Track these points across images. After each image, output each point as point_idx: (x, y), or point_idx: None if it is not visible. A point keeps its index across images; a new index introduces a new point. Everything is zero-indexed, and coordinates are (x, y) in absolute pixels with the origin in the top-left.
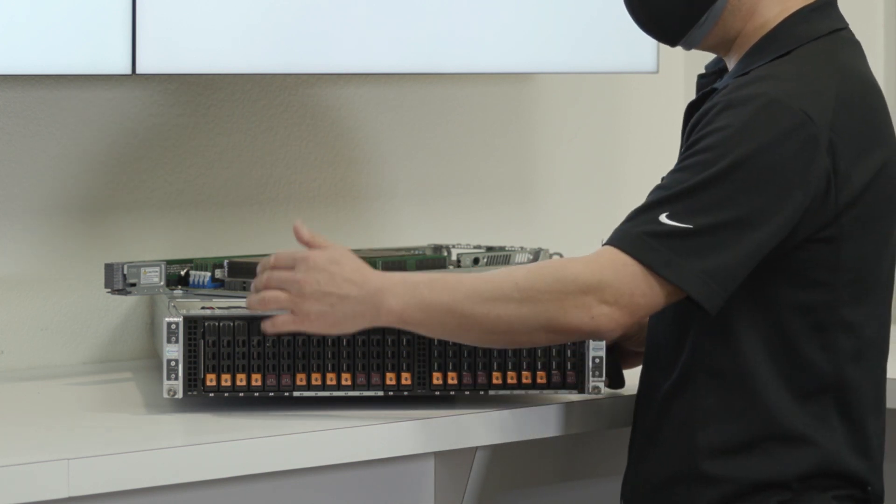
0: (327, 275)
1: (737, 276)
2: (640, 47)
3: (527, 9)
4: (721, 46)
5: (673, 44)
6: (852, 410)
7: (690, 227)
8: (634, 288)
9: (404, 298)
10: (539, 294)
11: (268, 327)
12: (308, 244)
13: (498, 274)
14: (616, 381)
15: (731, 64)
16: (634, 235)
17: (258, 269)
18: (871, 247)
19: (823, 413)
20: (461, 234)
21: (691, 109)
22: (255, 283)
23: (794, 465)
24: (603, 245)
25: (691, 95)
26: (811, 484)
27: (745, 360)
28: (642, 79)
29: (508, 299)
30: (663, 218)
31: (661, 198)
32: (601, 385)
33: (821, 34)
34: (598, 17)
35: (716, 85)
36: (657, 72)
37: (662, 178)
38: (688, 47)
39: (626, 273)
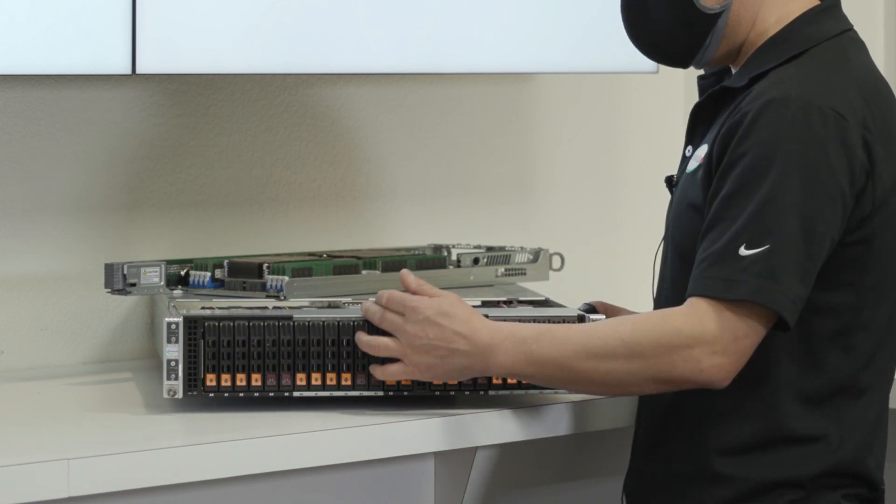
0: (437, 329)
1: (810, 284)
2: None
3: (527, 9)
4: (728, 57)
5: (683, 67)
6: (864, 410)
7: (767, 246)
8: (737, 331)
9: (513, 354)
10: (645, 349)
11: (378, 374)
12: (415, 294)
13: (603, 329)
14: None
15: (736, 65)
16: (722, 280)
17: (377, 297)
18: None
19: (837, 413)
20: (461, 234)
21: (699, 110)
22: (368, 309)
23: (807, 464)
24: (691, 294)
25: (691, 95)
26: (822, 483)
27: (766, 363)
28: (642, 79)
29: (616, 355)
30: (742, 251)
31: (733, 232)
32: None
33: (830, 35)
34: (598, 17)
35: (726, 83)
36: (657, 72)
37: (709, 200)
38: (699, 66)
39: (725, 319)
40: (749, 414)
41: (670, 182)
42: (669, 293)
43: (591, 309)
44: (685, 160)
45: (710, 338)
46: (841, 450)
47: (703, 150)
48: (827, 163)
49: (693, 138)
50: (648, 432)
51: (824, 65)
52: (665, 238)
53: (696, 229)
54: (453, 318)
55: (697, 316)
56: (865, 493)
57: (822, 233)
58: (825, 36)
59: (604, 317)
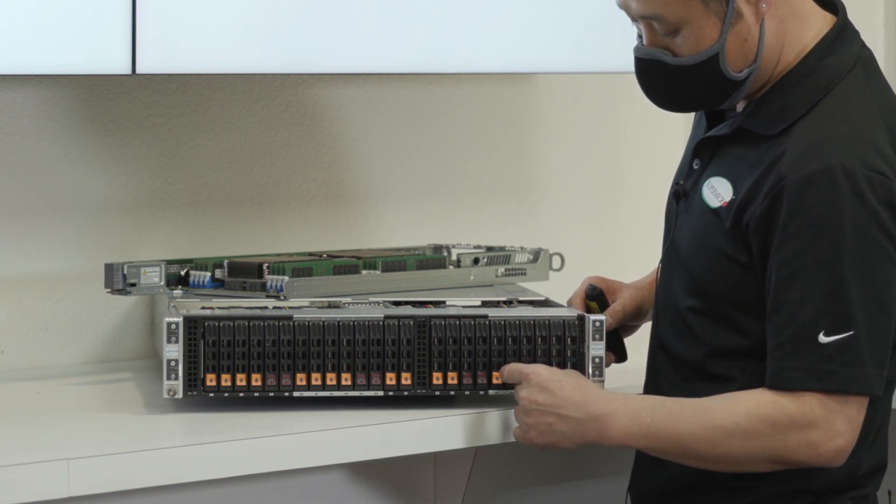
0: (547, 394)
1: (890, 346)
2: None
3: (527, 9)
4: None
5: (713, 109)
6: (872, 416)
7: (851, 333)
8: (846, 414)
9: (626, 426)
10: (762, 433)
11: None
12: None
13: (717, 408)
14: (620, 355)
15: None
16: (809, 371)
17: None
18: None
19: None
20: (461, 234)
21: (712, 142)
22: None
23: (819, 474)
24: (779, 386)
25: None
26: (833, 487)
27: None
28: None
29: (732, 436)
30: (822, 338)
31: (807, 319)
32: (601, 385)
33: (849, 66)
34: (598, 17)
35: (747, 126)
36: None
37: (766, 275)
38: (728, 107)
39: (832, 406)
40: None
41: (677, 194)
42: (691, 321)
43: (598, 292)
44: (693, 171)
45: (824, 424)
46: (852, 458)
47: (722, 185)
48: (883, 229)
49: (702, 152)
50: None
51: (852, 119)
52: (672, 254)
53: (731, 277)
54: (564, 384)
55: (806, 403)
56: (872, 489)
57: (892, 296)
58: (844, 69)
59: (605, 317)
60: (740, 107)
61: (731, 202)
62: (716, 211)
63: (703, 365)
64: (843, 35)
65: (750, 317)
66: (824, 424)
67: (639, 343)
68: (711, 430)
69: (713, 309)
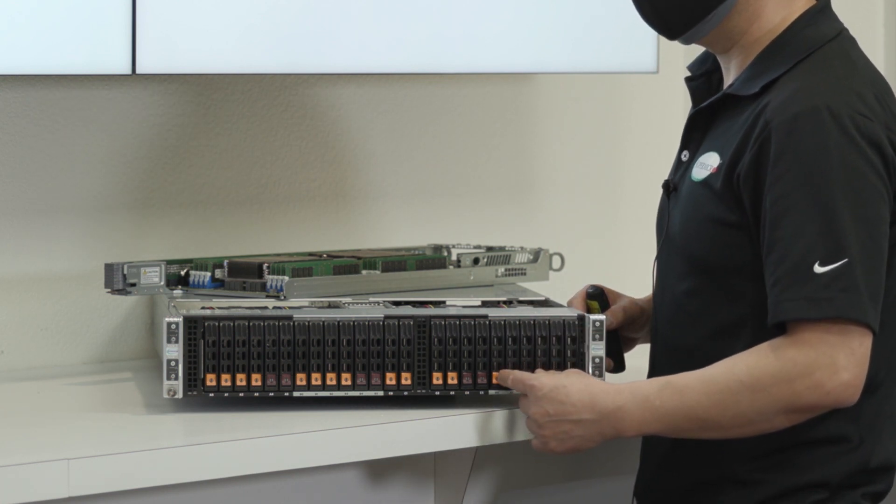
0: (556, 404)
1: (884, 284)
2: (640, 47)
3: (527, 9)
4: (719, 44)
5: (673, 38)
6: (879, 405)
7: (846, 260)
8: (847, 346)
9: (640, 414)
10: (767, 385)
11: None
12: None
13: (719, 373)
14: (618, 365)
15: (732, 64)
16: (807, 300)
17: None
18: None
19: (855, 412)
20: (461, 234)
21: (701, 116)
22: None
23: (831, 465)
24: (779, 319)
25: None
26: (846, 482)
27: None
28: (642, 79)
29: (738, 395)
30: (818, 268)
31: (802, 251)
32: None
33: (830, 37)
34: (598, 17)
35: (731, 91)
36: (657, 72)
37: (758, 220)
38: (687, 42)
39: (832, 338)
40: None
41: (668, 186)
42: (687, 304)
43: (599, 292)
44: (681, 164)
45: (826, 360)
46: (861, 447)
47: (710, 158)
48: (870, 165)
49: (689, 143)
50: (667, 438)
51: (835, 70)
52: (666, 246)
53: (725, 243)
54: (570, 389)
55: (805, 341)
56: (884, 487)
57: (884, 232)
58: (825, 38)
59: (604, 317)
60: (727, 83)
61: (721, 166)
62: (704, 181)
63: (704, 350)
64: (826, 13)
65: (746, 280)
66: (826, 360)
67: (640, 345)
68: (718, 395)
69: (709, 283)
